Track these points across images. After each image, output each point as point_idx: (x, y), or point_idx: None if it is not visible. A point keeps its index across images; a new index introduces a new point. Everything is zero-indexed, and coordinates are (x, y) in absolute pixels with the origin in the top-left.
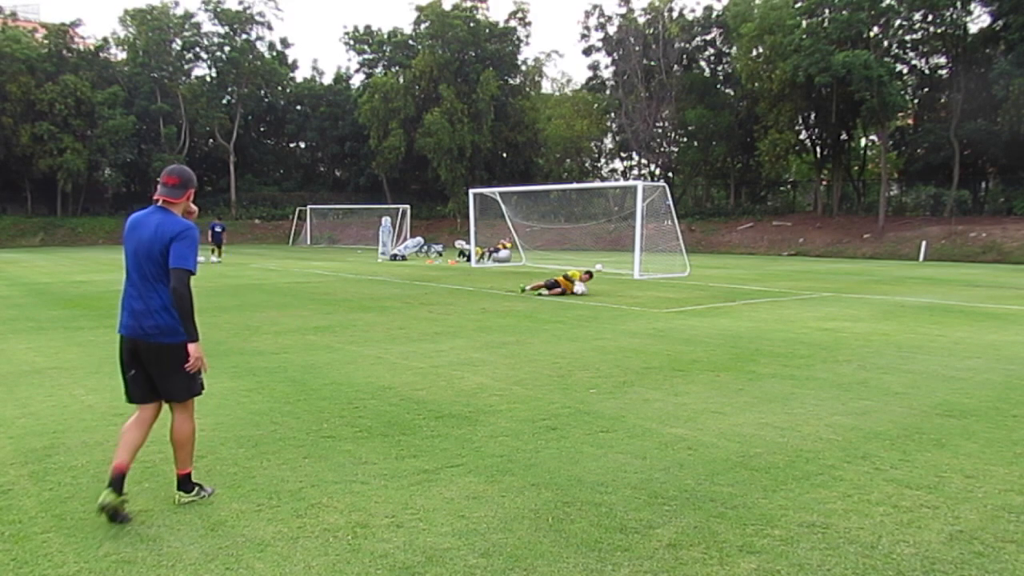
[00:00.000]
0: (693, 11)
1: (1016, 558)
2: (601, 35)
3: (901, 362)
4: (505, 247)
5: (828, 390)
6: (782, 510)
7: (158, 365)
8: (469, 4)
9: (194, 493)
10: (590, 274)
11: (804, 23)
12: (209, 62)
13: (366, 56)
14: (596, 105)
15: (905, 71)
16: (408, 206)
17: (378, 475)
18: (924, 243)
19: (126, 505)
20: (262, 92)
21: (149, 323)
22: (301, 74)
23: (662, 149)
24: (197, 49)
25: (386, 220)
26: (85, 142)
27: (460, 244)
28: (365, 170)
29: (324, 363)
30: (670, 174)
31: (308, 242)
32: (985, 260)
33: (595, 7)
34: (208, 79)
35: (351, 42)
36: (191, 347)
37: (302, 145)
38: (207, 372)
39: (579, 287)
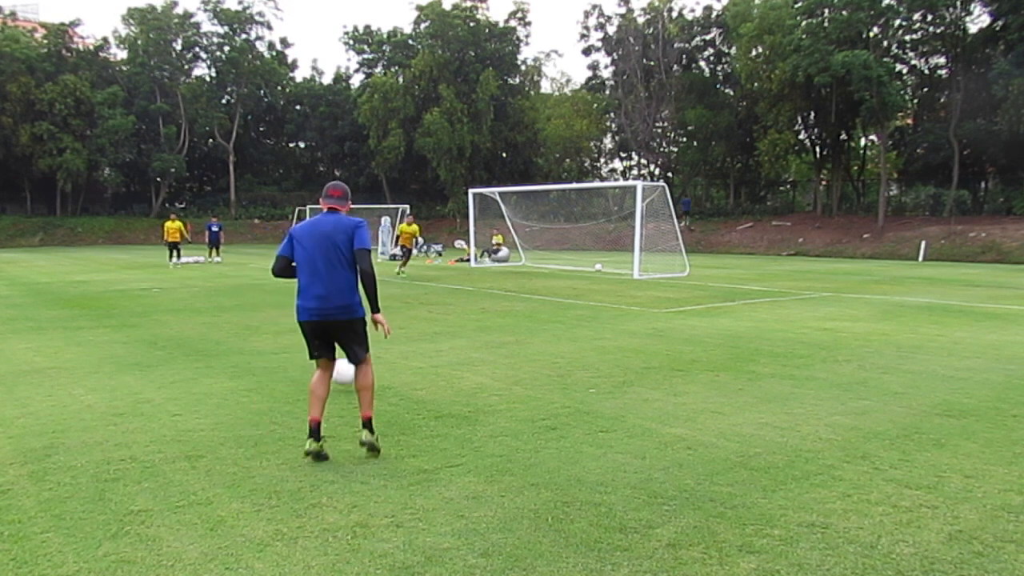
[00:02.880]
0: (693, 11)
1: (1015, 558)
2: (601, 35)
3: (900, 362)
4: (500, 244)
5: (827, 390)
6: (781, 510)
7: (342, 336)
8: (469, 4)
9: (375, 437)
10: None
11: (804, 23)
12: (209, 62)
13: (366, 56)
14: (595, 105)
15: (905, 71)
16: (408, 206)
17: (378, 475)
18: (923, 243)
19: (325, 447)
20: (262, 92)
21: (333, 305)
22: (301, 74)
23: (661, 149)
24: (197, 49)
25: (386, 220)
26: (85, 142)
27: (459, 244)
28: (365, 170)
29: None
30: (669, 174)
31: None
32: (985, 260)
33: (595, 7)
34: (208, 79)
35: (351, 42)
36: (378, 316)
37: (301, 145)
38: (389, 335)
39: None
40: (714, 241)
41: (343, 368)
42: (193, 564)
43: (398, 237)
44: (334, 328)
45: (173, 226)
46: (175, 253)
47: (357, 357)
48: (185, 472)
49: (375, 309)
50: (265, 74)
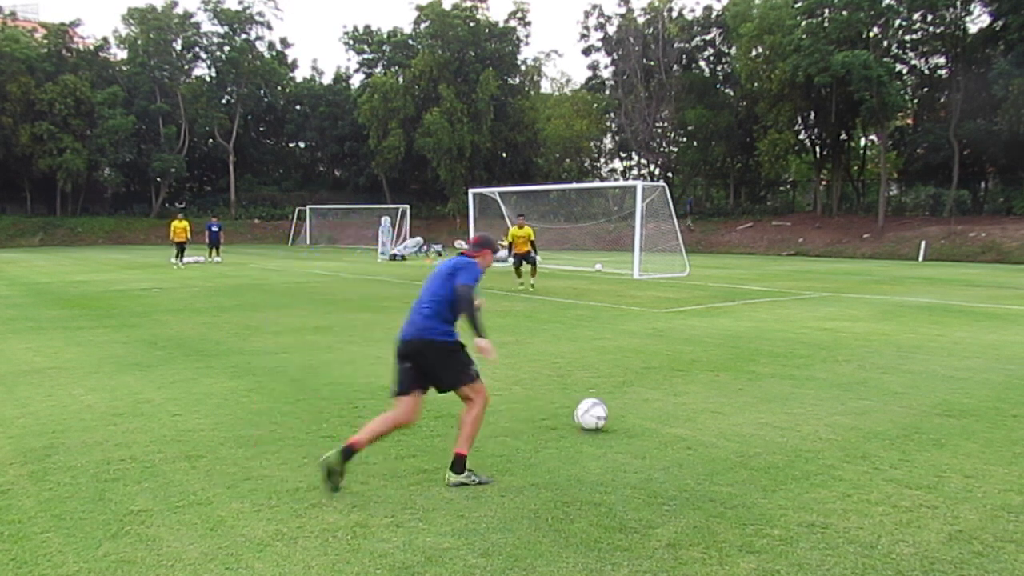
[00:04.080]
0: (693, 11)
1: (1015, 558)
2: (601, 35)
3: (900, 362)
4: (503, 246)
5: (827, 390)
6: (781, 510)
7: (424, 360)
8: (469, 4)
9: (464, 475)
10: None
11: (804, 23)
12: (209, 62)
13: (366, 56)
14: (595, 105)
15: (905, 71)
16: (408, 206)
17: (378, 475)
18: (923, 243)
19: (342, 477)
20: (262, 92)
21: (414, 327)
22: (301, 74)
23: (661, 149)
24: (197, 49)
25: (386, 220)
26: (85, 142)
27: (459, 244)
28: (365, 170)
29: (323, 363)
30: (670, 174)
31: (307, 242)
32: (984, 260)
33: (595, 7)
34: (208, 79)
35: (351, 42)
36: (479, 342)
37: (301, 145)
38: (495, 361)
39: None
40: (714, 241)
41: (590, 415)
42: (193, 564)
43: (510, 244)
44: (415, 351)
45: (180, 226)
46: (181, 253)
47: (443, 385)
48: (185, 472)
49: (477, 334)
50: (265, 74)
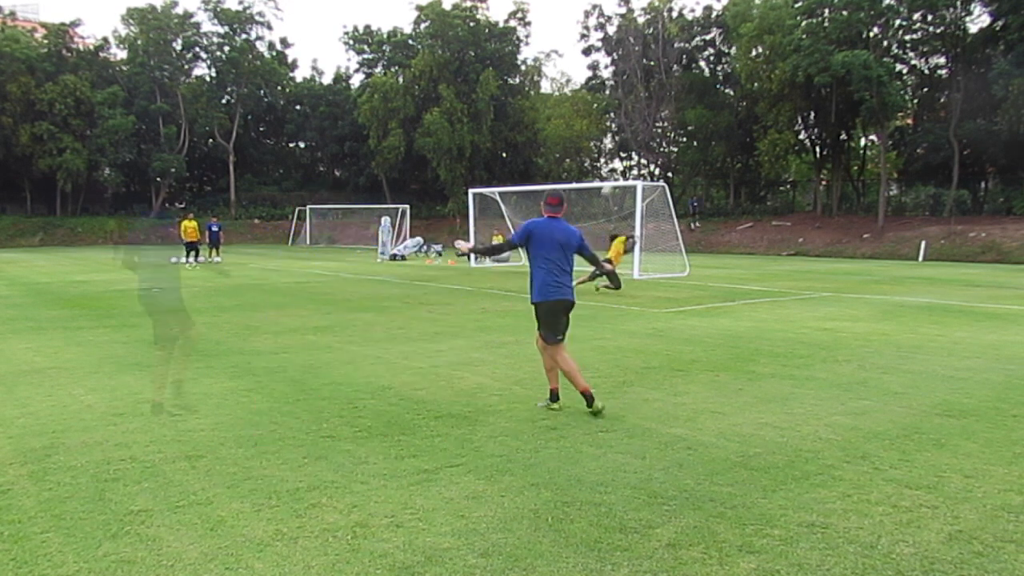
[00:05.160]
0: (693, 11)
1: (1015, 558)
2: (601, 35)
3: (900, 362)
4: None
5: (827, 390)
6: (781, 510)
7: (568, 314)
8: (469, 4)
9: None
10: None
11: (804, 23)
12: (209, 62)
13: (366, 56)
14: (595, 105)
15: (905, 71)
16: (408, 206)
17: (378, 475)
18: (923, 243)
19: (602, 408)
20: (262, 92)
21: (569, 291)
22: (301, 74)
23: (661, 149)
24: (197, 49)
25: (385, 220)
26: (85, 142)
27: (459, 244)
28: (365, 170)
29: (323, 363)
30: (669, 174)
31: (307, 242)
32: (984, 260)
33: (595, 7)
34: (208, 79)
35: (351, 42)
36: (607, 267)
37: (301, 145)
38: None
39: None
40: (714, 241)
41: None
42: (193, 564)
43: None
44: (569, 308)
45: (191, 225)
46: (194, 253)
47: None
48: (185, 472)
49: (604, 268)
50: (265, 74)
